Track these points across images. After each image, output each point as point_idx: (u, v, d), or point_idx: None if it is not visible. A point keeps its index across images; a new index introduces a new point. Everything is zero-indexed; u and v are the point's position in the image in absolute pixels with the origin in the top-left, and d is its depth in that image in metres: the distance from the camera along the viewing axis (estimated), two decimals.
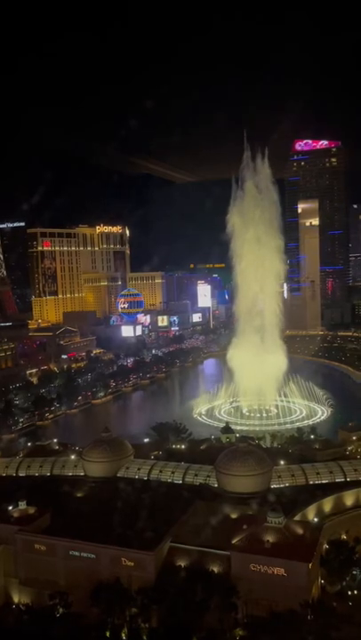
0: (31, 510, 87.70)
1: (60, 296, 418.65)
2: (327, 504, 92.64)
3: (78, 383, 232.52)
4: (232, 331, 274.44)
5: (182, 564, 76.23)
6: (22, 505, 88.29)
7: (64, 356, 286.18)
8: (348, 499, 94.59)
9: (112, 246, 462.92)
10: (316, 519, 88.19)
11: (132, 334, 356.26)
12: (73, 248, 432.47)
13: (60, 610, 72.65)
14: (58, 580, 79.10)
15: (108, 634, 69.77)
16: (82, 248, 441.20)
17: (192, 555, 77.00)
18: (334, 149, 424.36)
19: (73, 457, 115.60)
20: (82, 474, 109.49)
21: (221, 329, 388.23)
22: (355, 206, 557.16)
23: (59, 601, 73.10)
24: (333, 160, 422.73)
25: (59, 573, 79.72)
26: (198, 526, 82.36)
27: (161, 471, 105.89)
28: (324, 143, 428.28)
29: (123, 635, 70.16)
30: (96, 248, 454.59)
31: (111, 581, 73.11)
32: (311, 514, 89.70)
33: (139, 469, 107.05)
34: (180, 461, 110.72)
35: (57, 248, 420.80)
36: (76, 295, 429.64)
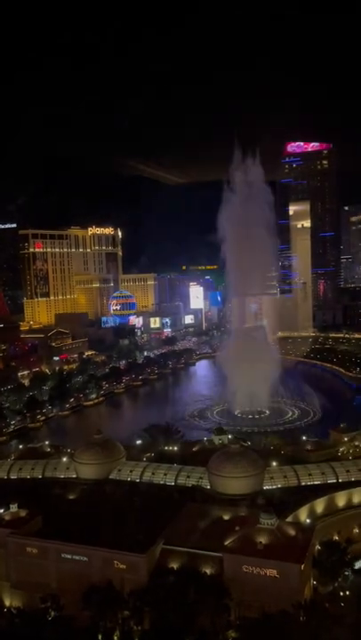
0: (23, 513, 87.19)
1: (52, 298, 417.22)
2: (319, 505, 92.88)
3: (70, 385, 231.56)
4: (224, 332, 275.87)
5: (175, 566, 76.05)
6: (14, 508, 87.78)
7: (56, 358, 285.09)
8: (340, 500, 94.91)
9: (104, 248, 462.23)
10: (308, 520, 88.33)
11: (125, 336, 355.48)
12: (65, 249, 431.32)
13: (52, 613, 72.22)
14: (50, 582, 78.66)
15: (99, 637, 69.44)
16: (74, 250, 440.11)
17: (184, 557, 76.84)
18: (326, 152, 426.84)
19: (65, 459, 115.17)
20: (74, 476, 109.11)
21: (213, 330, 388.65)
22: (346, 208, 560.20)
23: (50, 604, 72.67)
24: (325, 162, 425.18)
25: (50, 576, 79.30)
26: (191, 528, 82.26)
27: (153, 473, 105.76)
28: (315, 145, 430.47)
29: (115, 637, 69.85)
30: (88, 250, 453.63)
31: (103, 584, 72.78)
32: (303, 515, 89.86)
33: (131, 471, 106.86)
34: (173, 463, 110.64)
35: (49, 249, 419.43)
36: (68, 297, 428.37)
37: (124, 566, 76.01)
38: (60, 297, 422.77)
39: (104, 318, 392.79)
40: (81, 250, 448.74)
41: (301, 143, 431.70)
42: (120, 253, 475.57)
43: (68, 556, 79.18)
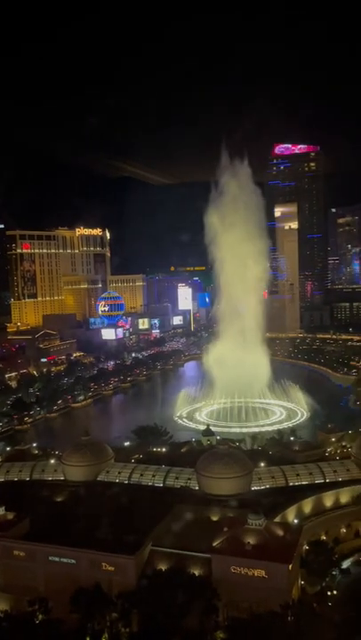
0: (10, 516, 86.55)
1: (40, 299, 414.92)
2: (307, 505, 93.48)
3: (58, 387, 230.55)
4: (213, 333, 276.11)
5: (163, 567, 76.00)
6: (1, 510, 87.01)
7: (44, 360, 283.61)
8: (328, 500, 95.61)
9: (92, 249, 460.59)
10: (296, 520, 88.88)
11: (113, 337, 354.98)
12: (53, 250, 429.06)
13: (40, 616, 71.78)
14: (37, 585, 78.18)
15: (88, 639, 69.18)
16: (61, 250, 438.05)
17: (173, 558, 76.84)
18: (313, 154, 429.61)
19: (53, 461, 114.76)
20: (62, 478, 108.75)
21: (202, 331, 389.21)
22: (333, 210, 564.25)
23: (38, 607, 72.21)
24: (312, 164, 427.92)
25: (38, 579, 78.84)
26: (179, 529, 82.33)
27: (142, 474, 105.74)
28: (303, 147, 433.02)
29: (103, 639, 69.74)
30: (76, 250, 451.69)
31: (91, 586, 72.52)
32: (291, 515, 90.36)
33: (119, 473, 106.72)
34: (161, 464, 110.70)
35: (36, 250, 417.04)
36: (56, 298, 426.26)
37: (113, 568, 75.82)
38: (48, 298, 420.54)
39: (92, 319, 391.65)
40: (69, 251, 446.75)
41: (289, 145, 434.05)
42: (108, 254, 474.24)
43: (56, 559, 78.81)
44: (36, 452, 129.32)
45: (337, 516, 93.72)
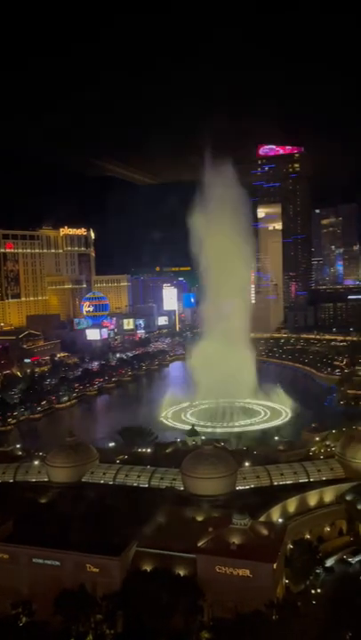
0: None
1: (24, 299, 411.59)
2: (291, 504, 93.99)
3: (42, 387, 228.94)
4: (198, 334, 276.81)
5: (148, 568, 75.91)
6: None
7: (27, 360, 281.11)
8: (312, 499, 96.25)
9: (76, 249, 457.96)
10: (280, 520, 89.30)
11: (98, 338, 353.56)
12: (37, 250, 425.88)
13: (24, 619, 71.24)
14: (21, 588, 77.51)
15: None
16: (45, 250, 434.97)
17: (158, 558, 76.76)
18: (297, 155, 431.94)
19: (36, 462, 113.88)
20: (46, 479, 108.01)
21: (187, 332, 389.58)
22: (317, 211, 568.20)
23: (22, 610, 71.69)
24: (296, 165, 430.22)
25: (22, 582, 78.15)
26: (165, 530, 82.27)
27: (127, 475, 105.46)
28: (287, 148, 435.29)
29: None
30: (60, 250, 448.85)
31: (76, 588, 72.12)
32: (276, 515, 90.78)
33: (104, 474, 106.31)
34: (146, 465, 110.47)
35: (20, 250, 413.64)
36: (40, 298, 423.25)
37: (97, 569, 75.51)
38: (32, 298, 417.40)
39: (77, 320, 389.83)
40: (53, 250, 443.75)
41: (273, 146, 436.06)
42: (93, 254, 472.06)
43: (40, 561, 78.26)
44: (20, 453, 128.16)
45: (321, 514, 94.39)
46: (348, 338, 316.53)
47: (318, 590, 78.46)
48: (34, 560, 78.46)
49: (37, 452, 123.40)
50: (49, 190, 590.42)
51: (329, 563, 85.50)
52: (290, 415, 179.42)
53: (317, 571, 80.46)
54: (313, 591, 78.28)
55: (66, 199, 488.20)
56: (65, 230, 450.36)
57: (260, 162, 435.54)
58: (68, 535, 79.97)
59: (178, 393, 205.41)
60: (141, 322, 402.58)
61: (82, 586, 72.29)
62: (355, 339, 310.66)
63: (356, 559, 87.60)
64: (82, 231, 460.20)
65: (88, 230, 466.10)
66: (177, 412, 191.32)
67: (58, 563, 77.44)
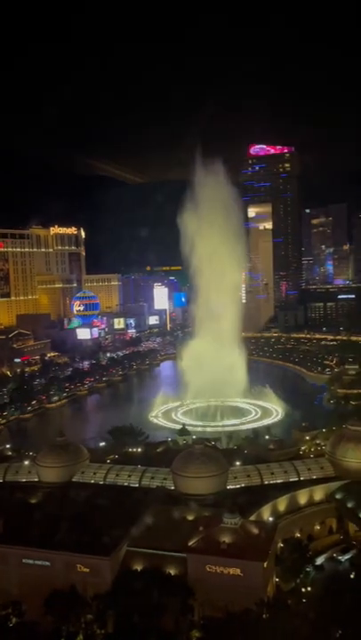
0: None
1: (13, 298, 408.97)
2: (282, 503, 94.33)
3: (32, 387, 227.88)
4: (189, 333, 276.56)
5: (139, 567, 75.84)
6: None
7: (17, 360, 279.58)
8: (302, 498, 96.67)
9: (67, 248, 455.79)
10: (271, 518, 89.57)
11: (88, 337, 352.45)
12: (26, 249, 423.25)
13: (14, 619, 70.88)
14: (11, 589, 77.08)
15: None
16: (36, 249, 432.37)
17: (149, 558, 76.70)
18: (288, 155, 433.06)
19: (26, 463, 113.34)
20: (36, 479, 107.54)
21: (178, 331, 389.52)
22: (307, 211, 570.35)
23: (12, 610, 71.31)
24: (287, 165, 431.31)
25: (11, 582, 77.72)
26: (155, 529, 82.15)
27: (117, 475, 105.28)
28: (278, 148, 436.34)
29: None
30: (50, 249, 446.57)
31: (66, 588, 71.88)
32: (266, 513, 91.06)
33: (94, 474, 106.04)
34: (137, 465, 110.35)
35: (9, 249, 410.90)
36: (30, 297, 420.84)
37: (88, 569, 75.32)
38: (22, 297, 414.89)
39: (67, 319, 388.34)
40: (43, 249, 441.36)
41: (264, 146, 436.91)
42: (83, 253, 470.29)
43: (30, 562, 77.90)
44: (10, 453, 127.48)
45: (311, 513, 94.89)
46: (338, 337, 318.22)
47: (309, 588, 78.77)
48: (24, 560, 78.09)
49: (27, 452, 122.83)
50: (39, 189, 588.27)
51: (319, 561, 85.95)
52: (280, 414, 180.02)
53: (308, 569, 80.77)
54: (303, 589, 78.58)
55: (56, 198, 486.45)
56: (55, 229, 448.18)
57: (250, 161, 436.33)
58: (59, 535, 79.70)
59: (169, 392, 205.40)
60: (132, 321, 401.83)
61: (72, 586, 72.09)
62: (344, 338, 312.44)
63: (346, 557, 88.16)
64: (72, 230, 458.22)
65: (78, 229, 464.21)
66: (168, 411, 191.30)
67: (48, 563, 77.14)
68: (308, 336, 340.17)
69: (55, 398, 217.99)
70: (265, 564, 71.71)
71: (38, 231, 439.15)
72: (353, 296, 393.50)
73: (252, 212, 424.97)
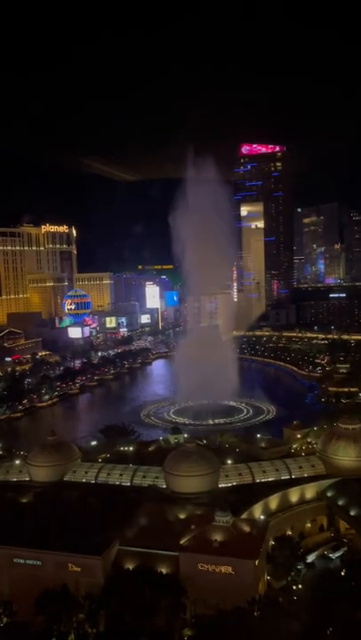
0: None
1: (4, 297, 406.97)
2: (273, 501, 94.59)
3: (23, 386, 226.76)
4: (181, 332, 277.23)
5: (131, 566, 75.75)
6: None
7: (8, 359, 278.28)
8: (293, 496, 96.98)
9: (58, 246, 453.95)
10: (262, 517, 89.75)
11: (80, 336, 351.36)
12: (17, 248, 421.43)
13: (4, 619, 70.59)
14: (1, 589, 76.78)
15: None
16: (27, 248, 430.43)
17: (141, 557, 76.64)
18: (280, 154, 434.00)
19: (17, 462, 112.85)
20: (27, 479, 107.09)
21: (170, 330, 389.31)
22: (299, 210, 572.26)
23: (3, 610, 71.04)
24: (279, 164, 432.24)
25: (2, 582, 77.40)
26: (147, 528, 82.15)
27: (109, 474, 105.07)
28: (269, 147, 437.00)
29: None
30: (41, 248, 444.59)
31: (58, 588, 71.65)
32: (258, 511, 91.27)
33: (86, 473, 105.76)
34: (129, 464, 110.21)
35: (0, 247, 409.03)
36: (21, 296, 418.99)
37: (80, 569, 75.13)
38: (13, 296, 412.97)
39: (59, 318, 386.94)
40: (34, 248, 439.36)
41: (256, 145, 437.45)
42: (75, 252, 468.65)
43: (21, 561, 77.58)
44: (1, 452, 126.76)
45: (302, 511, 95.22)
46: (329, 336, 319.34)
47: (300, 586, 79.12)
48: (15, 560, 77.76)
49: (18, 452, 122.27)
50: (30, 187, 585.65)
51: (310, 558, 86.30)
52: (272, 413, 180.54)
53: (299, 566, 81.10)
54: (294, 587, 78.91)
55: (47, 196, 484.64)
56: (46, 227, 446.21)
57: (242, 160, 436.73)
58: (50, 535, 79.41)
59: (160, 391, 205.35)
60: (124, 320, 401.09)
61: (64, 585, 71.87)
62: (335, 337, 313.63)
63: (337, 554, 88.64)
64: (64, 228, 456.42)
65: (70, 227, 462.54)
66: (159, 410, 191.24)
67: (39, 562, 76.85)
68: (299, 335, 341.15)
69: (46, 397, 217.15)
70: (256, 562, 71.92)
71: (29, 229, 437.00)
72: (344, 295, 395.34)
73: (243, 210, 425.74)
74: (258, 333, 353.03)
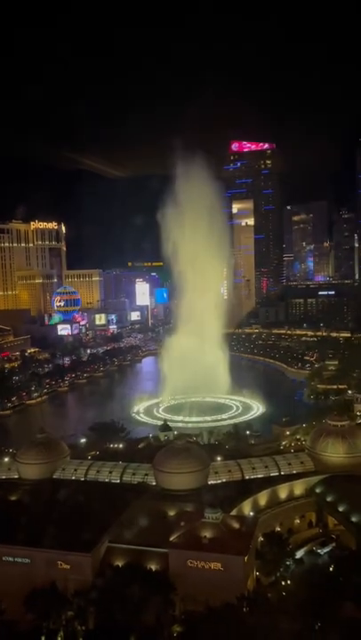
0: None
1: None
2: (262, 498, 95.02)
3: (12, 383, 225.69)
4: (170, 329, 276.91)
5: (120, 563, 75.72)
6: None
7: None
8: (282, 492, 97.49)
9: (47, 243, 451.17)
10: (251, 513, 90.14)
11: (69, 333, 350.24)
12: (6, 244, 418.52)
13: None
14: None
15: (43, 639, 68.17)
16: (15, 244, 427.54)
17: (130, 554, 76.65)
18: (269, 151, 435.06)
19: (6, 459, 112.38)
20: (16, 476, 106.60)
21: (160, 327, 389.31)
22: (288, 207, 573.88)
23: None
24: (268, 162, 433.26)
25: None
26: (137, 525, 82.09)
27: (98, 471, 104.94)
28: (259, 145, 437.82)
29: (58, 639, 68.82)
30: (30, 244, 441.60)
31: (47, 586, 71.43)
32: (247, 508, 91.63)
33: (75, 470, 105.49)
34: (118, 461, 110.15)
35: None
36: (10, 293, 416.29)
37: (69, 566, 74.96)
38: (1, 293, 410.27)
39: (48, 315, 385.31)
40: (23, 244, 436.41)
41: (246, 142, 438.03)
42: (64, 248, 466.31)
43: (10, 559, 77.23)
44: None
45: (291, 507, 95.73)
46: (319, 333, 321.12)
47: (288, 582, 79.54)
48: (3, 558, 77.39)
49: (7, 449, 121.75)
50: (19, 183, 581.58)
51: (299, 554, 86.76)
52: (261, 410, 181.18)
53: (288, 562, 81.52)
54: (283, 582, 79.33)
55: (36, 192, 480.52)
56: (36, 224, 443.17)
57: (232, 157, 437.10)
58: (39, 532, 79.09)
59: (150, 388, 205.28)
60: (113, 317, 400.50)
61: (53, 583, 71.66)
62: (324, 334, 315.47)
63: (325, 550, 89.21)
64: (53, 225, 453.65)
65: (59, 224, 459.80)
66: (149, 407, 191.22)
67: (28, 560, 76.56)
68: (288, 332, 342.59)
69: (35, 394, 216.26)
70: (246, 559, 72.20)
71: (18, 226, 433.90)
72: (333, 292, 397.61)
73: (233, 208, 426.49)
74: (247, 331, 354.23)
